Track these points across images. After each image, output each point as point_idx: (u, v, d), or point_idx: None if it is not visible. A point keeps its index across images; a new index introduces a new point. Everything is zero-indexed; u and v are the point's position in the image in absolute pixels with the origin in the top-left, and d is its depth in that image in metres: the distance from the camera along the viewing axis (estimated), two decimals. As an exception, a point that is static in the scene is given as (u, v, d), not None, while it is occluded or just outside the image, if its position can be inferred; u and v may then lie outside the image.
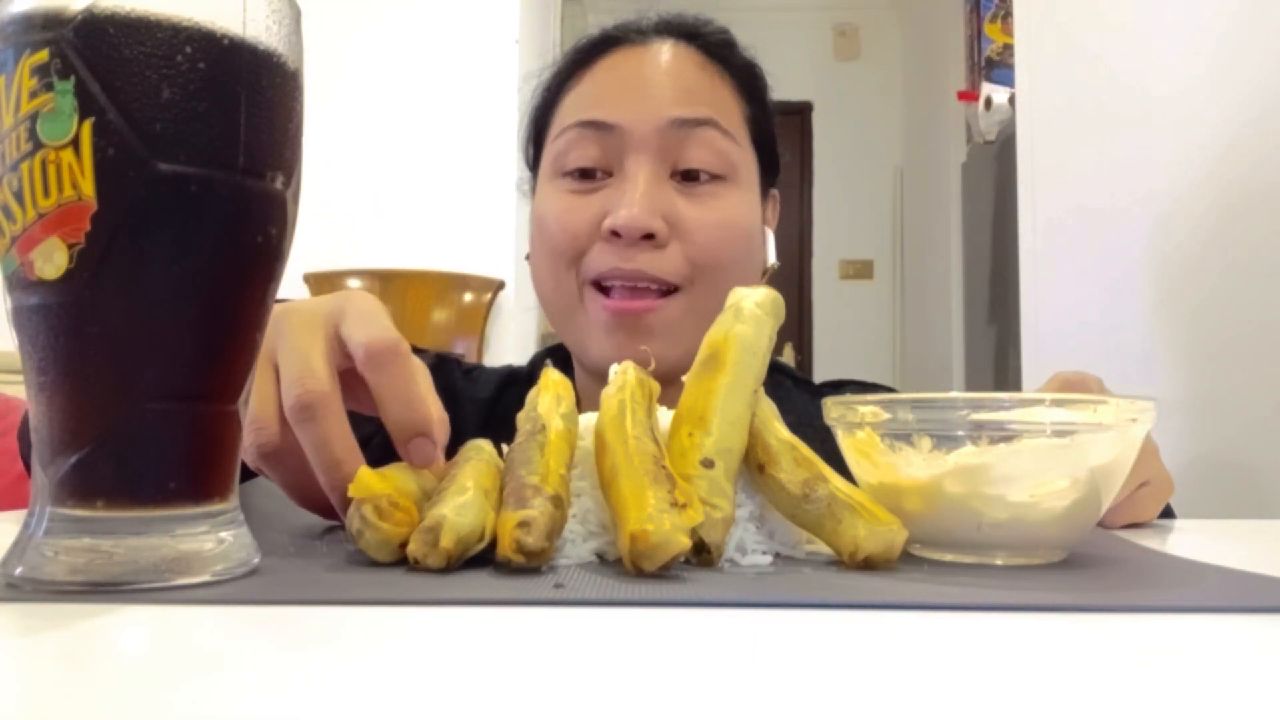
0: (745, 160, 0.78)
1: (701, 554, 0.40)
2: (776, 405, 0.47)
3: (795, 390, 0.86)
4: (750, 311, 0.46)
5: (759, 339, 0.46)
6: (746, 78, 0.80)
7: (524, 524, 0.37)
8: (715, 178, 0.75)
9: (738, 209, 0.76)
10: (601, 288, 0.74)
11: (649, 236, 0.72)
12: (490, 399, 0.84)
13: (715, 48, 0.79)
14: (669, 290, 0.73)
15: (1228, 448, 1.46)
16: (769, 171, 0.83)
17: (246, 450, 0.45)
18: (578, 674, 0.25)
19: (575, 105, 0.77)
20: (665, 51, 0.78)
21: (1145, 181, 1.63)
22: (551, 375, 0.48)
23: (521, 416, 0.46)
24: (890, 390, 0.90)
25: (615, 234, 0.72)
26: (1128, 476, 0.48)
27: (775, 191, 0.86)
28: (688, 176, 0.74)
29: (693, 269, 0.74)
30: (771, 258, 0.83)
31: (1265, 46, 1.42)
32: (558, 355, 0.87)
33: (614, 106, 0.75)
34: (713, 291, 0.72)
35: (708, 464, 0.41)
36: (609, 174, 0.75)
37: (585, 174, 0.75)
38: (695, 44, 0.79)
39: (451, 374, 0.85)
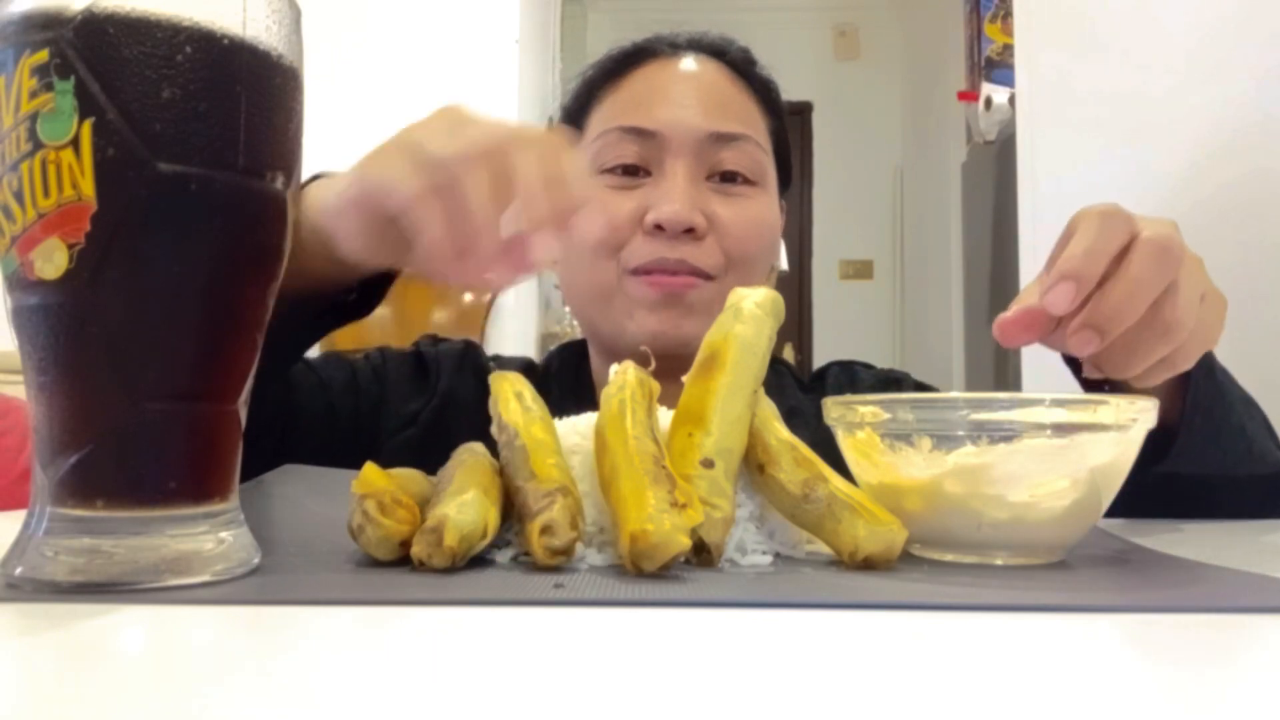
0: (771, 169, 0.84)
1: (701, 554, 0.40)
2: (776, 399, 0.47)
3: (790, 382, 0.91)
4: (750, 312, 0.46)
5: (759, 339, 0.46)
6: (766, 92, 0.85)
7: (546, 529, 0.38)
8: (748, 182, 0.80)
9: (766, 209, 0.82)
10: (642, 273, 0.78)
11: (689, 230, 0.76)
12: None
13: (740, 64, 0.84)
14: (705, 278, 0.78)
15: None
16: (783, 181, 0.88)
17: (402, 196, 0.45)
18: (578, 674, 0.25)
19: (613, 111, 0.82)
20: (698, 65, 0.83)
21: (1144, 181, 1.63)
22: (500, 377, 0.49)
23: (494, 429, 0.46)
24: (868, 366, 0.93)
25: (659, 228, 0.76)
26: (1186, 301, 0.49)
27: (784, 201, 0.90)
28: (725, 178, 0.80)
29: (727, 260, 0.79)
30: (783, 264, 0.88)
31: (1264, 47, 1.42)
32: (572, 351, 0.90)
33: (654, 114, 0.79)
34: (743, 282, 0.79)
35: (708, 464, 0.41)
36: (648, 173, 0.79)
37: (628, 170, 0.79)
38: (723, 60, 0.84)
39: (480, 358, 0.89)
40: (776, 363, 0.93)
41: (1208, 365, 0.62)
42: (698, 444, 0.42)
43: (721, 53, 0.84)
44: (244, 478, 0.63)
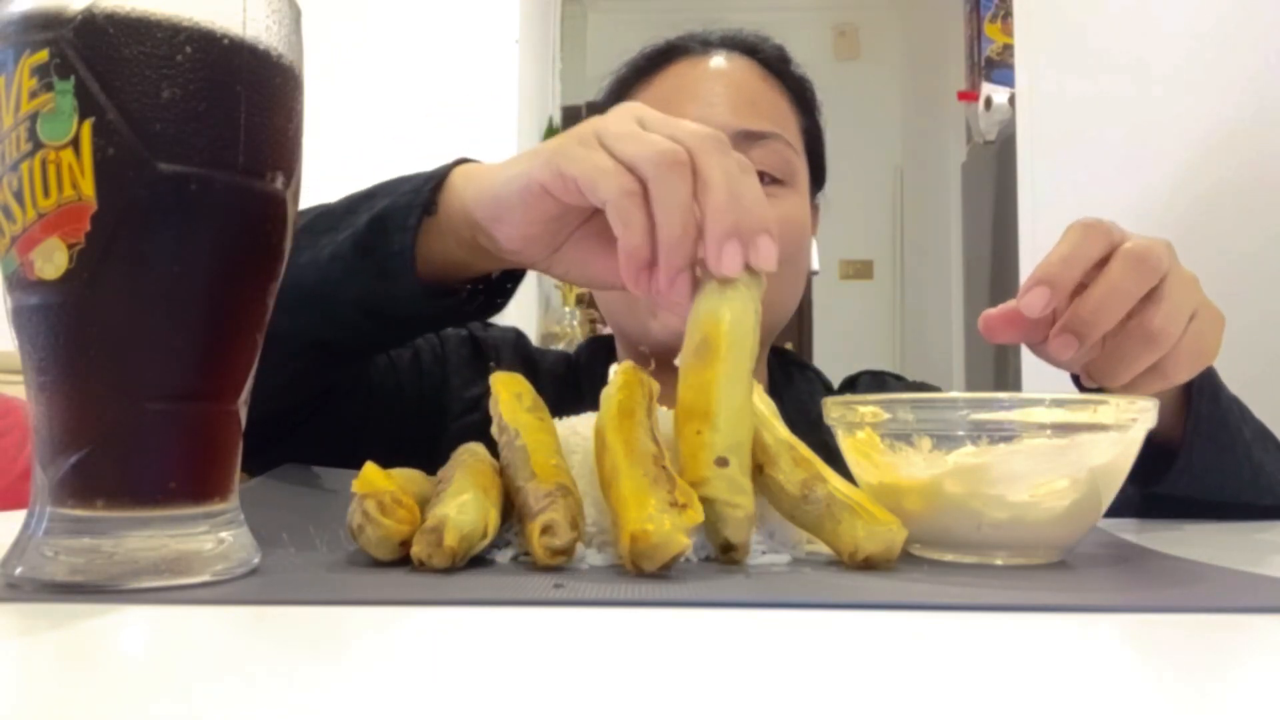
0: (801, 168, 0.82)
1: (728, 552, 0.40)
2: (807, 403, 0.47)
3: (819, 388, 0.91)
4: (733, 287, 0.45)
5: (746, 314, 0.44)
6: (800, 92, 0.85)
7: (547, 529, 0.37)
8: (776, 181, 0.79)
9: (795, 210, 0.80)
10: None
11: None
12: (562, 376, 0.87)
13: (773, 62, 0.83)
14: None
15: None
16: (816, 181, 0.87)
17: (610, 189, 0.45)
18: (578, 674, 0.25)
19: None
20: (729, 63, 0.82)
21: (1144, 181, 1.63)
22: (498, 377, 0.49)
23: (494, 430, 0.46)
24: (899, 377, 0.93)
25: None
26: (1172, 309, 0.50)
27: (818, 202, 0.90)
28: None
29: None
30: (815, 264, 0.88)
31: (1263, 47, 1.42)
32: (600, 345, 0.90)
33: (682, 111, 0.78)
34: (772, 283, 0.76)
35: (722, 463, 0.41)
36: None
37: None
38: (755, 58, 0.83)
39: (529, 348, 0.89)
40: (806, 369, 0.93)
41: (1213, 389, 0.62)
42: (707, 442, 0.41)
43: (754, 50, 0.83)
44: (329, 457, 0.63)
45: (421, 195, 0.55)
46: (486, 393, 0.79)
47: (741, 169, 0.47)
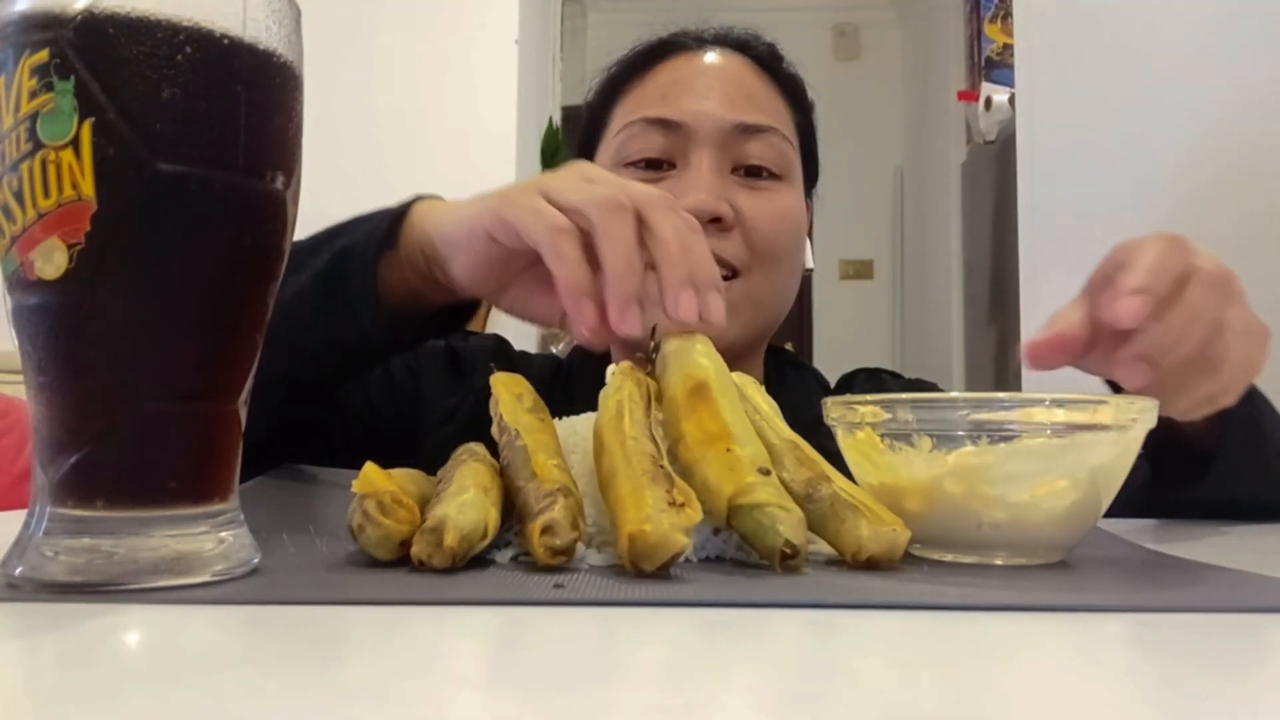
0: (797, 163, 0.83)
1: (788, 560, 0.39)
2: (800, 406, 0.47)
3: (815, 388, 0.91)
4: (703, 350, 0.46)
5: (725, 371, 0.46)
6: (793, 89, 0.85)
7: (547, 529, 0.37)
8: (773, 175, 0.79)
9: (792, 204, 0.81)
10: None
11: (715, 220, 0.75)
12: (549, 381, 0.87)
13: (766, 59, 0.84)
14: (729, 275, 0.77)
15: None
16: (809, 179, 0.87)
17: (541, 229, 0.48)
18: (577, 674, 0.25)
19: (638, 104, 0.81)
20: (723, 58, 0.83)
21: (1145, 181, 1.63)
22: (499, 378, 0.49)
23: (494, 430, 0.46)
24: (896, 375, 0.92)
25: None
26: (1233, 337, 0.49)
27: (811, 201, 0.90)
28: (750, 172, 0.79)
29: (751, 255, 0.77)
30: (809, 262, 0.89)
31: (1264, 47, 1.42)
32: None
33: (679, 106, 0.78)
34: (768, 279, 0.79)
35: (764, 471, 0.41)
36: (672, 165, 0.79)
37: (651, 164, 0.79)
38: (748, 54, 0.83)
39: (511, 355, 0.90)
40: (802, 369, 0.94)
41: (1246, 392, 0.61)
42: (742, 456, 0.41)
43: (747, 47, 0.84)
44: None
45: (380, 231, 0.57)
46: (462, 404, 0.79)
47: (689, 227, 0.49)
